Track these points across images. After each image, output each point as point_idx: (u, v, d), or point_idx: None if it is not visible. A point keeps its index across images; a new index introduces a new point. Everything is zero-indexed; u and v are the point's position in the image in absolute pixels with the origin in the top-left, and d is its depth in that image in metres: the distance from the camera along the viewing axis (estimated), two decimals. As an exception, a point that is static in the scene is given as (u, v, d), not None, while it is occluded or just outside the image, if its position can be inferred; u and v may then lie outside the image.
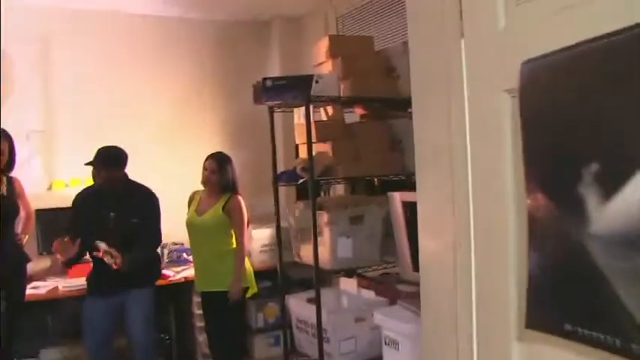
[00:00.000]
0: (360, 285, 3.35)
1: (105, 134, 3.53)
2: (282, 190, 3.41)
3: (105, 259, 3.05)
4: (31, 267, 3.69)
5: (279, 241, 3.40)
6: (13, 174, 3.45)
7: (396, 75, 3.21)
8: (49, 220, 4.03)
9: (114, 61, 4.46)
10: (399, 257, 2.73)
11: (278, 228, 3.40)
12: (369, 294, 3.23)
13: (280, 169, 3.39)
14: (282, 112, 3.31)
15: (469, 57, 1.19)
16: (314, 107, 3.13)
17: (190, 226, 3.54)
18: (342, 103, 3.15)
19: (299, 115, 3.23)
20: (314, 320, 2.95)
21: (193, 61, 4.79)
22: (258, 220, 4.38)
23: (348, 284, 3.39)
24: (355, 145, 3.13)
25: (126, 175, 3.33)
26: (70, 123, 4.26)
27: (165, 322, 4.25)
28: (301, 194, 4.07)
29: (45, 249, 4.07)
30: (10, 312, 3.19)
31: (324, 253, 2.93)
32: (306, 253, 3.14)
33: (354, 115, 3.52)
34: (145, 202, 3.33)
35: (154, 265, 3.51)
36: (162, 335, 4.26)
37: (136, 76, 4.55)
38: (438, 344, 1.35)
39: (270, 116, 3.27)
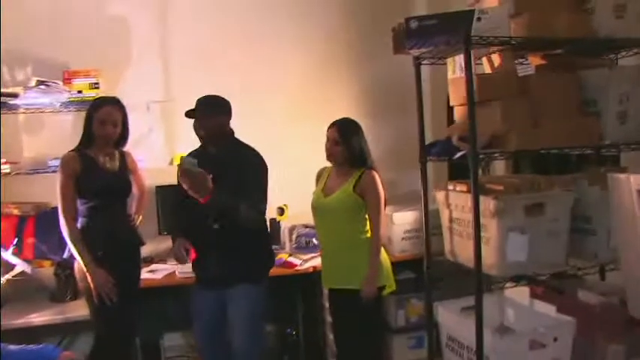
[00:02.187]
0: (532, 294, 2.51)
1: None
2: (430, 165, 2.68)
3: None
4: (150, 249, 3.38)
5: (427, 228, 2.67)
6: (133, 148, 3.11)
7: (589, 8, 2.41)
8: (171, 196, 3.66)
9: (235, 31, 4.06)
10: (628, 280, 1.80)
11: (426, 212, 2.67)
12: (544, 307, 2.39)
13: (428, 139, 2.64)
14: (432, 64, 2.53)
15: None
16: (474, 56, 2.32)
17: (316, 208, 2.97)
18: (516, 47, 2.31)
19: (454, 66, 2.43)
20: (470, 341, 2.20)
21: (325, 18, 4.21)
22: (401, 201, 3.79)
23: (515, 292, 2.55)
24: (533, 107, 2.30)
25: (232, 132, 2.91)
26: (191, 94, 3.85)
27: (291, 315, 3.79)
28: (454, 172, 3.33)
29: (166, 228, 3.75)
30: (125, 299, 2.83)
31: (487, 253, 2.15)
32: (461, 251, 2.38)
33: (529, 66, 2.66)
34: (248, 163, 2.81)
35: (263, 255, 2.96)
36: (289, 330, 3.80)
37: (262, 41, 4.09)
38: None
39: (417, 70, 2.52)
